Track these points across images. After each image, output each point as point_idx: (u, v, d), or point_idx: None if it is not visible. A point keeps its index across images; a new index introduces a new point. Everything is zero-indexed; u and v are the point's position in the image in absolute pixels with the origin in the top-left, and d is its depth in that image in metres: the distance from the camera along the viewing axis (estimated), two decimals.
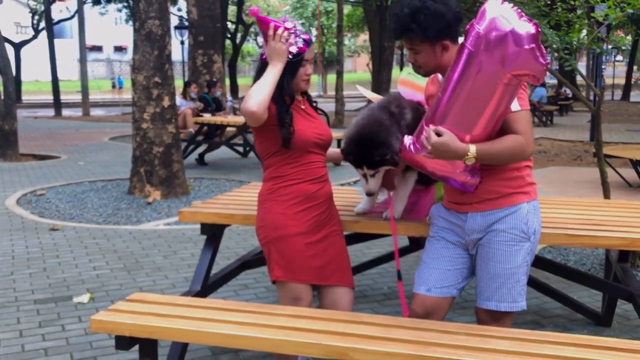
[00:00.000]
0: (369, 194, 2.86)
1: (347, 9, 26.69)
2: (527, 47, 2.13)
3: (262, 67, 2.66)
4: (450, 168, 2.37)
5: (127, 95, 32.58)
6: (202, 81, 12.91)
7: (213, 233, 3.31)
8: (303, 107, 2.78)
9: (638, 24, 16.24)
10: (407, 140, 2.41)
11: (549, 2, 4.69)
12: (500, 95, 2.19)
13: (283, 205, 2.71)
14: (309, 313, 2.52)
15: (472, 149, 2.24)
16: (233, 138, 10.70)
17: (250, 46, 43.04)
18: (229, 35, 26.63)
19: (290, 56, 2.60)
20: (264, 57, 2.67)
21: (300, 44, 2.61)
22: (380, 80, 20.29)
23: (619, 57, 42.24)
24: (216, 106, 10.76)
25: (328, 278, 2.78)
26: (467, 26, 2.19)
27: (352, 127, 2.75)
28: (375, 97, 3.18)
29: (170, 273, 4.92)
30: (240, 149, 11.18)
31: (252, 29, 33.66)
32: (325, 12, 36.24)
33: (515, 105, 2.30)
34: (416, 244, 3.99)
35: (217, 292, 3.91)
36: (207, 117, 10.19)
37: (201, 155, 10.54)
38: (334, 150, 2.97)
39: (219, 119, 10.07)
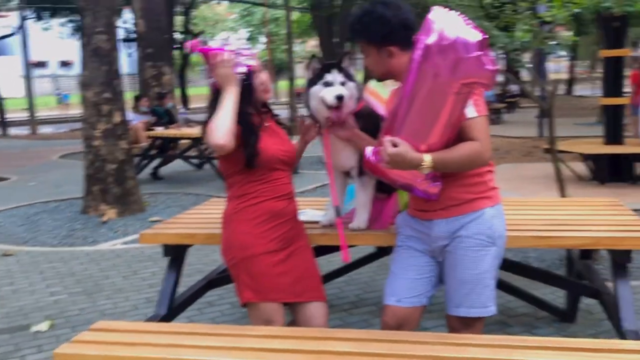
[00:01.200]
0: (339, 98, 2.69)
1: (295, 15, 26.68)
2: (473, 55, 2.12)
3: (215, 95, 2.63)
4: (410, 177, 2.37)
5: (74, 110, 31.89)
6: (153, 93, 12.71)
7: (176, 254, 3.23)
8: (267, 124, 2.75)
9: (580, 21, 16.69)
10: (369, 151, 2.40)
11: (496, 5, 4.75)
12: (453, 104, 2.20)
13: (249, 224, 2.67)
14: (281, 332, 2.47)
15: (427, 158, 2.25)
16: (187, 150, 10.56)
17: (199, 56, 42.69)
18: (177, 46, 26.32)
19: (243, 76, 2.59)
20: (210, 83, 2.63)
21: (244, 68, 2.61)
22: None
23: (562, 53, 43.40)
24: (169, 118, 10.60)
25: (300, 295, 2.74)
26: (404, 47, 2.21)
27: None
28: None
29: (131, 294, 4.79)
30: (196, 161, 11.03)
31: (200, 38, 33.38)
32: (273, 20, 36.15)
33: (471, 112, 2.31)
34: (385, 250, 3.98)
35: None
36: (159, 130, 10.03)
37: (155, 170, 10.37)
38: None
39: (172, 131, 9.93)
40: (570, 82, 32.91)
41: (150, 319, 3.08)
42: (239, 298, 2.74)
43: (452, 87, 2.16)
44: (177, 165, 11.19)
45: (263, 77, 2.70)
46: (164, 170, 10.71)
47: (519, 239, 2.80)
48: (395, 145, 2.25)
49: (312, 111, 2.77)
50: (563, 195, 5.10)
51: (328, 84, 2.68)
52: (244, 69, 2.60)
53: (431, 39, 2.14)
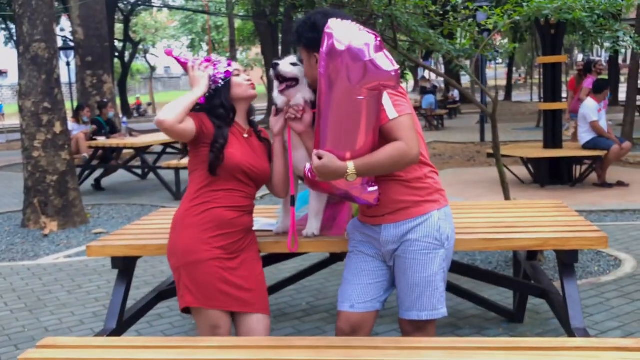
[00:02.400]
0: (280, 77, 2.74)
1: (237, 22, 26.58)
2: (366, 59, 2.16)
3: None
4: (345, 186, 2.39)
5: (9, 121, 30.90)
6: (93, 103, 12.44)
7: (125, 266, 3.15)
8: (246, 135, 2.78)
9: (516, 29, 17.16)
10: (307, 167, 2.43)
11: (440, 13, 4.83)
12: (366, 109, 2.23)
13: (196, 229, 2.65)
14: (235, 342, 2.44)
15: (350, 165, 2.29)
16: (131, 160, 10.36)
17: (139, 64, 42.04)
18: (117, 54, 25.87)
19: (220, 82, 2.72)
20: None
21: (224, 68, 2.74)
22: None
23: (499, 60, 44.54)
24: (110, 128, 10.38)
25: (244, 305, 2.71)
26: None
27: None
28: None
29: (76, 309, 4.66)
30: (139, 171, 10.84)
31: (140, 47, 32.89)
32: (215, 27, 35.98)
33: (391, 113, 2.34)
34: (337, 257, 3.99)
35: None
36: (101, 140, 9.81)
37: (97, 181, 10.15)
38: None
39: (114, 141, 9.73)
40: (509, 89, 33.80)
41: (100, 334, 2.99)
42: (179, 302, 2.71)
43: (357, 94, 2.20)
44: (120, 175, 10.97)
45: (245, 76, 2.79)
46: (106, 180, 10.49)
47: (467, 242, 2.85)
48: (320, 157, 2.30)
49: (275, 103, 2.80)
50: (507, 198, 5.21)
51: (276, 65, 2.72)
52: (222, 75, 2.73)
53: (326, 50, 2.20)
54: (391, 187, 2.44)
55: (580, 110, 8.64)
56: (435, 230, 2.44)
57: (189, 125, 2.60)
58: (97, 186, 10.09)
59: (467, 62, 5.27)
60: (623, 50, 23.65)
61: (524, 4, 4.51)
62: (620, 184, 8.39)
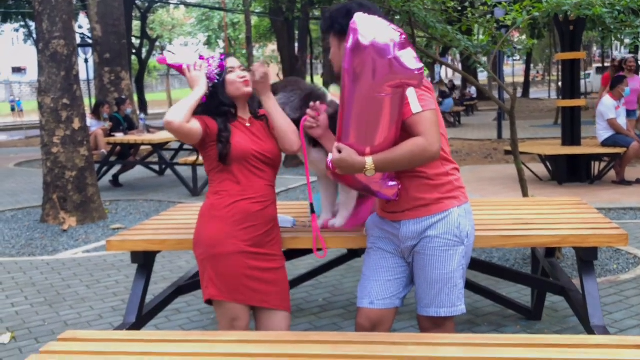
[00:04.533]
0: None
1: (253, 19, 26.62)
2: (390, 57, 2.15)
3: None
4: (365, 180, 2.39)
5: (28, 117, 31.18)
6: (111, 99, 12.50)
7: (144, 261, 3.17)
8: (248, 124, 2.80)
9: (535, 25, 17.04)
10: (329, 158, 2.43)
11: (459, 9, 4.81)
12: (389, 106, 2.23)
13: (221, 222, 2.68)
14: (254, 337, 2.45)
15: (369, 160, 2.29)
16: (148, 157, 10.42)
17: (156, 61, 42.28)
18: (134, 51, 26.01)
19: (217, 79, 2.74)
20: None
21: (216, 64, 2.77)
22: None
23: (517, 57, 44.20)
24: (128, 124, 10.44)
25: (266, 301, 2.73)
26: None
27: None
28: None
29: (95, 304, 4.70)
30: (156, 167, 10.90)
31: (157, 43, 33.04)
32: (231, 24, 36.04)
33: (415, 107, 2.32)
34: (354, 253, 4.00)
35: None
36: (119, 136, 9.87)
37: (115, 177, 10.21)
38: None
39: (132, 137, 9.78)
40: (526, 86, 33.58)
41: (119, 328, 3.02)
42: (203, 293, 2.74)
43: (380, 91, 2.19)
44: (138, 171, 11.04)
45: (240, 73, 2.77)
46: (124, 177, 10.56)
47: (486, 238, 2.83)
48: (340, 151, 2.31)
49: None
50: (525, 195, 5.18)
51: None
52: (216, 71, 2.74)
53: (351, 46, 2.18)
54: (412, 183, 2.43)
55: (598, 107, 8.57)
56: (455, 227, 2.43)
57: (195, 125, 2.65)
58: (115, 182, 10.16)
59: (485, 59, 5.24)
60: None
61: (544, 0, 4.48)
62: (639, 181, 8.31)
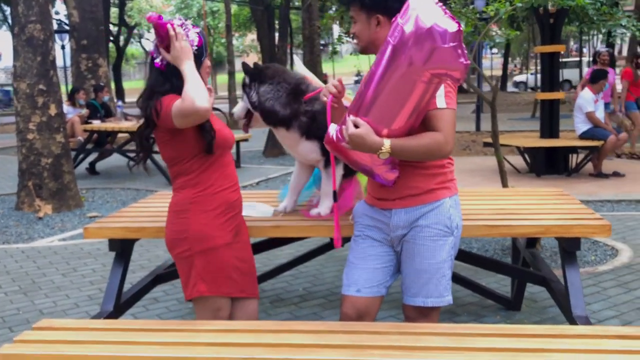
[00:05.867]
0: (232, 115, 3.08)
1: (233, 8, 26.41)
2: (447, 45, 2.08)
3: (164, 75, 2.52)
4: (370, 160, 2.34)
5: None
6: (88, 86, 12.32)
7: (122, 249, 3.11)
8: None
9: (513, 18, 17.13)
10: (332, 129, 2.37)
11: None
12: (422, 92, 2.17)
13: (208, 215, 2.57)
14: (235, 326, 2.41)
15: (387, 143, 2.23)
16: (125, 144, 10.29)
17: (134, 48, 41.75)
18: (111, 38, 25.67)
19: (194, 51, 2.52)
20: (159, 63, 2.53)
21: (196, 37, 2.54)
22: None
23: (495, 50, 44.46)
24: (105, 112, 10.30)
25: (244, 290, 2.69)
26: (392, 19, 2.16)
27: None
28: (305, 72, 3.19)
29: (71, 292, 4.62)
30: (134, 155, 10.76)
31: (135, 31, 32.64)
32: (211, 12, 35.73)
33: (441, 103, 2.28)
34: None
35: None
36: (96, 123, 9.74)
37: (92, 164, 10.09)
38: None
39: (109, 125, 9.65)
40: (504, 79, 33.76)
41: (97, 316, 2.96)
42: (187, 291, 2.62)
43: (422, 76, 2.12)
44: (115, 159, 10.90)
45: (207, 60, 2.64)
46: (101, 164, 10.42)
47: (470, 228, 2.82)
48: (357, 126, 2.23)
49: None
50: (505, 186, 5.19)
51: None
52: (195, 43, 2.53)
53: (408, 26, 2.09)
54: (406, 172, 2.40)
55: (577, 100, 8.62)
56: (447, 218, 2.41)
57: None
58: (92, 170, 10.04)
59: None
60: (618, 41, 23.65)
61: None
62: (616, 174, 8.39)
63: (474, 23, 4.88)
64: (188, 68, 2.45)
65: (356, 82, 17.28)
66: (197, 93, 2.38)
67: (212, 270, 2.57)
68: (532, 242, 3.70)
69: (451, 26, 2.09)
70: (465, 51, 2.15)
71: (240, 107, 2.99)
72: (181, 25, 2.51)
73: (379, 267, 2.52)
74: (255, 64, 2.93)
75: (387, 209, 2.48)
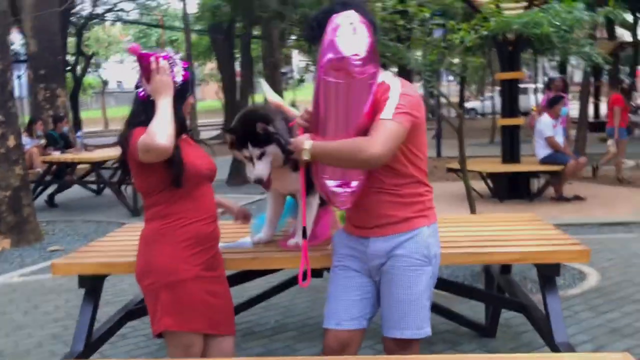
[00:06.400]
0: (258, 181, 2.67)
1: (193, 37, 26.38)
2: (331, 37, 2.19)
3: (144, 106, 2.50)
4: (319, 180, 2.35)
5: None
6: (46, 117, 12.09)
7: (93, 285, 3.00)
8: (184, 136, 2.63)
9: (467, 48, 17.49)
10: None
11: (408, 27, 4.84)
12: (336, 93, 2.21)
13: (175, 247, 2.51)
14: None
15: (308, 142, 2.24)
16: (86, 176, 10.10)
17: (91, 78, 41.24)
18: (68, 68, 25.32)
19: (177, 86, 2.49)
20: (142, 94, 2.50)
21: (182, 72, 2.52)
22: (238, 108, 20.15)
23: (451, 77, 45.27)
24: (64, 143, 10.10)
25: (217, 327, 2.61)
26: None
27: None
28: (276, 100, 3.15)
29: (34, 330, 4.45)
30: (94, 186, 10.57)
31: (93, 60, 32.27)
32: (170, 42, 35.59)
33: (386, 113, 2.24)
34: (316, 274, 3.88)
35: None
36: (56, 154, 9.53)
37: (51, 196, 9.85)
38: (226, 200, 2.95)
39: (69, 156, 9.46)
40: (461, 105, 34.33)
41: (67, 357, 2.85)
42: (154, 326, 2.55)
43: (327, 74, 2.18)
44: (74, 191, 10.66)
45: (191, 96, 2.62)
46: (60, 197, 10.18)
47: (449, 256, 2.80)
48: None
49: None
50: (473, 212, 5.22)
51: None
52: (180, 78, 2.50)
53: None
54: (383, 199, 2.38)
55: (537, 125, 8.79)
56: (424, 247, 2.39)
57: None
58: (51, 202, 9.80)
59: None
60: (570, 68, 24.34)
61: (492, 19, 4.55)
62: (577, 197, 8.55)
63: (440, 51, 4.94)
64: (163, 103, 2.42)
65: None
66: (160, 130, 2.35)
67: (178, 304, 2.50)
68: (507, 268, 3.71)
69: (345, 20, 2.22)
70: (362, 43, 2.20)
71: (264, 166, 2.68)
72: (167, 59, 2.48)
73: (358, 298, 2.48)
74: (252, 110, 2.82)
75: (365, 237, 2.45)
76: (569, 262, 3.45)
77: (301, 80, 10.61)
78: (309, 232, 2.92)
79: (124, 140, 2.49)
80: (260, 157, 2.63)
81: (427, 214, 2.44)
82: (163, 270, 2.49)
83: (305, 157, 2.24)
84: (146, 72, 2.46)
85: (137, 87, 2.54)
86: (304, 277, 2.46)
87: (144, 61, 2.45)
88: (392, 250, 2.39)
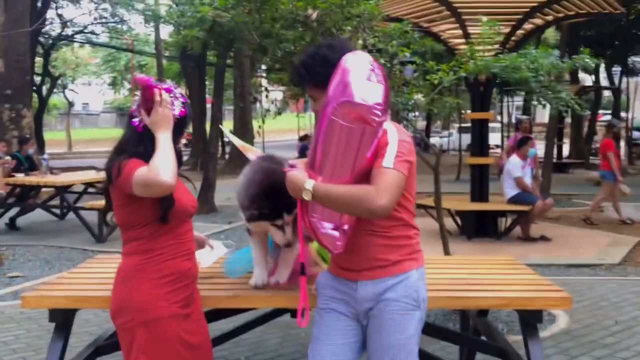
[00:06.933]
0: (289, 245, 2.66)
1: (163, 62, 26.31)
2: (347, 79, 2.16)
3: (138, 136, 2.44)
4: (309, 222, 2.29)
5: None
6: (10, 137, 11.86)
7: (64, 319, 2.89)
8: None
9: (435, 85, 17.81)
10: None
11: (389, 66, 4.87)
12: (347, 137, 2.18)
13: (153, 283, 2.43)
14: None
15: (310, 182, 2.19)
16: (50, 199, 9.87)
17: (57, 99, 40.71)
18: (34, 88, 24.96)
19: (175, 120, 2.45)
20: (139, 126, 2.44)
21: (181, 107, 2.48)
22: (207, 135, 20.06)
23: (416, 113, 45.89)
24: (29, 165, 9.87)
25: None
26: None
27: (252, 184, 2.61)
28: (242, 145, 3.12)
29: None
30: (57, 210, 10.33)
31: (59, 82, 31.88)
32: (139, 66, 35.42)
33: (388, 162, 2.22)
34: (281, 311, 3.81)
35: None
36: (20, 177, 9.30)
37: (12, 220, 9.58)
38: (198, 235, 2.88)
39: (34, 179, 9.23)
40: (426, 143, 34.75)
41: None
42: None
43: (337, 115, 2.15)
44: (36, 214, 10.40)
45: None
46: (21, 220, 9.91)
47: (433, 299, 2.75)
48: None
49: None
50: (447, 252, 5.22)
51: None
52: (178, 112, 2.46)
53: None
54: (372, 241, 2.34)
55: (506, 166, 8.91)
56: (414, 291, 2.36)
57: None
58: (12, 225, 9.53)
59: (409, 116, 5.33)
60: (533, 108, 24.90)
61: (471, 61, 4.62)
62: (543, 238, 8.64)
63: (419, 91, 4.98)
64: (163, 138, 2.38)
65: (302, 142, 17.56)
66: (165, 166, 2.31)
67: (155, 344, 2.41)
68: (484, 310, 3.69)
69: (359, 65, 2.20)
70: (380, 92, 2.18)
71: (292, 230, 2.65)
72: (169, 91, 2.45)
73: (345, 342, 2.42)
74: (277, 179, 2.56)
75: (353, 280, 2.41)
76: (551, 309, 3.44)
77: (279, 113, 10.58)
78: (288, 271, 2.88)
79: (114, 168, 2.40)
80: (289, 223, 2.61)
81: (415, 257, 2.41)
82: (140, 307, 2.42)
83: (306, 197, 2.19)
84: (147, 103, 2.41)
85: (131, 116, 2.47)
86: (303, 315, 2.39)
87: (147, 92, 2.41)
88: (381, 294, 2.35)
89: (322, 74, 2.29)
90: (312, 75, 2.33)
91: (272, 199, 2.58)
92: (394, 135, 2.27)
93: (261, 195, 2.60)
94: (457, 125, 31.35)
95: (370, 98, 2.13)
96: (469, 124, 9.72)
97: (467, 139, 23.46)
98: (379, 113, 2.16)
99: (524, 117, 10.76)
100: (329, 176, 2.21)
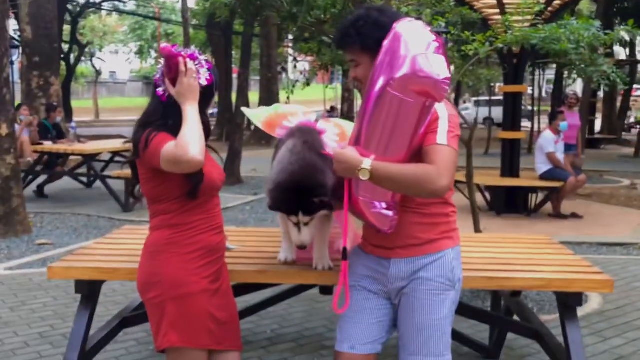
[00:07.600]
0: (302, 247, 2.50)
1: (189, 31, 26.20)
2: (413, 54, 2.00)
3: (164, 107, 2.34)
4: (362, 203, 2.18)
5: None
6: (38, 105, 11.89)
7: (90, 291, 2.85)
8: None
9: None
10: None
11: None
12: (407, 113, 2.05)
13: (183, 258, 2.36)
14: None
15: (367, 161, 2.06)
16: (77, 168, 9.90)
17: (84, 67, 40.90)
18: (62, 56, 25.08)
19: (201, 89, 2.32)
20: (164, 96, 2.33)
21: (207, 75, 2.35)
22: (234, 105, 20.00)
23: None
24: (57, 133, 9.89)
25: (221, 342, 2.46)
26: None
27: (282, 174, 2.41)
28: (269, 116, 2.94)
29: (20, 329, 4.28)
30: (85, 179, 10.39)
31: (87, 50, 31.98)
32: (165, 35, 35.35)
33: (441, 139, 2.11)
34: (307, 286, 3.75)
35: None
36: (48, 144, 9.33)
37: (40, 187, 9.64)
38: None
39: (62, 147, 9.25)
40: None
41: None
42: (158, 341, 2.40)
43: (403, 92, 2.01)
44: (65, 182, 10.47)
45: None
46: (49, 188, 9.98)
47: (468, 279, 2.66)
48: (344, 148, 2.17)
49: None
50: (477, 229, 5.10)
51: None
52: (204, 81, 2.33)
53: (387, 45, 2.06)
54: (408, 219, 2.24)
55: (539, 141, 8.71)
56: (449, 270, 2.26)
57: None
58: (40, 193, 9.60)
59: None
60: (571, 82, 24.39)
61: (509, 32, 4.44)
62: (574, 215, 8.47)
63: (453, 62, 4.83)
64: (190, 110, 2.27)
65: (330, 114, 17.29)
66: (193, 142, 2.20)
67: (185, 319, 2.35)
68: (518, 290, 3.58)
69: (427, 38, 2.05)
70: (445, 66, 2.05)
71: (310, 232, 2.48)
72: (194, 59, 2.32)
73: (374, 322, 2.35)
74: (305, 175, 2.38)
75: (386, 258, 2.32)
76: (592, 292, 3.30)
77: (307, 84, 10.43)
78: (326, 250, 2.78)
79: (141, 142, 2.30)
80: (307, 223, 2.46)
81: (452, 236, 2.31)
82: (171, 282, 2.35)
83: (363, 177, 2.07)
84: (172, 73, 2.29)
85: (156, 85, 2.37)
86: (341, 303, 2.28)
87: (171, 61, 2.28)
88: (415, 273, 2.26)
89: (372, 37, 2.15)
90: (361, 37, 2.18)
91: (292, 194, 2.39)
92: (444, 109, 2.16)
93: (281, 187, 2.42)
94: (473, 98, 30.62)
95: (437, 71, 2.00)
96: (486, 97, 9.47)
97: (484, 112, 23.08)
98: (447, 88, 2.03)
99: (571, 92, 10.46)
100: (381, 154, 2.09)
